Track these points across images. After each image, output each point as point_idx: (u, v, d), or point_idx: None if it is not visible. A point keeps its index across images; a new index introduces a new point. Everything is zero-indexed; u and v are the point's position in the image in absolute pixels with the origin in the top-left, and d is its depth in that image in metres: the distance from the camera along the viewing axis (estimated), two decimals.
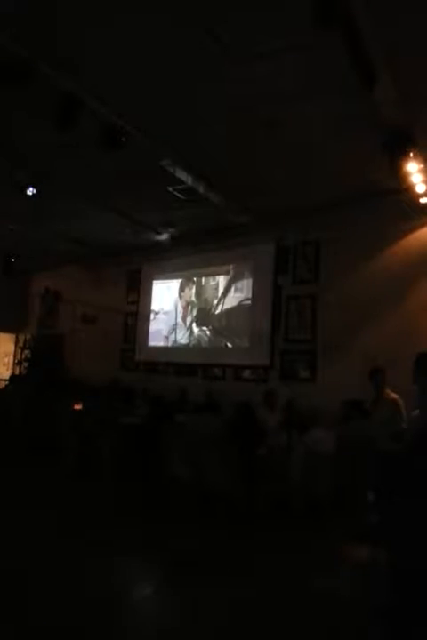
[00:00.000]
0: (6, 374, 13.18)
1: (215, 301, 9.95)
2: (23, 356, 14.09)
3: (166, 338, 10.81)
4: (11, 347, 15.06)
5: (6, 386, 11.25)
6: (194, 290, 10.43)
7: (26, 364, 13.74)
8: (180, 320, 10.60)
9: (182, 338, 10.49)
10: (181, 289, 10.66)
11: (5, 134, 6.39)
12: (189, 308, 10.44)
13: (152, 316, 11.20)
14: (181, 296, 10.65)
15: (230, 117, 5.69)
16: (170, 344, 10.73)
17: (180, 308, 10.64)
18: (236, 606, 3.90)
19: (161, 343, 10.91)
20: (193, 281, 10.47)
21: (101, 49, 4.70)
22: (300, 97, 5.19)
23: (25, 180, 7.74)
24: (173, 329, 10.70)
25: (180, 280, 10.72)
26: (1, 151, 6.76)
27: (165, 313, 10.93)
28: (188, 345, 10.37)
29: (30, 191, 7.97)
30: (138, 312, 11.52)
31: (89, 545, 4.94)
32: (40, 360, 13.20)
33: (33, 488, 6.96)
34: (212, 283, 10.07)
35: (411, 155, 5.69)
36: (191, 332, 10.31)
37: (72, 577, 4.25)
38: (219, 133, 6.07)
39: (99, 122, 5.59)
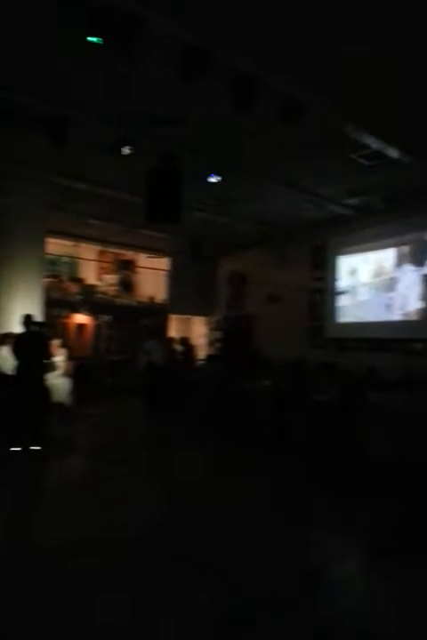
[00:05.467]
0: (201, 355, 14.01)
1: (410, 273, 9.27)
2: (214, 337, 14.89)
3: (356, 313, 10.42)
4: (203, 329, 16.04)
5: (201, 365, 11.94)
6: (383, 261, 9.85)
7: (218, 345, 14.50)
8: (370, 294, 10.13)
9: (374, 312, 10.01)
10: (369, 261, 10.16)
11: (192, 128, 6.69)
12: (380, 280, 9.90)
13: (340, 291, 10.89)
14: (369, 269, 10.16)
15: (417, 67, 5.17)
16: (360, 320, 10.32)
17: (369, 282, 10.16)
18: None
19: (351, 319, 10.56)
20: (381, 252, 9.88)
21: (274, 23, 4.61)
22: None
23: (209, 169, 8.08)
24: (364, 303, 10.27)
25: (366, 253, 10.22)
26: (185, 144, 7.12)
27: (355, 287, 10.53)
28: (380, 320, 9.85)
29: (214, 179, 8.30)
30: (324, 288, 11.31)
31: (289, 517, 5.01)
32: (230, 340, 13.82)
33: (230, 460, 7.30)
34: (405, 251, 9.39)
35: None
36: (385, 306, 9.77)
37: (274, 544, 4.37)
38: (409, 88, 5.55)
39: (277, 97, 5.54)
